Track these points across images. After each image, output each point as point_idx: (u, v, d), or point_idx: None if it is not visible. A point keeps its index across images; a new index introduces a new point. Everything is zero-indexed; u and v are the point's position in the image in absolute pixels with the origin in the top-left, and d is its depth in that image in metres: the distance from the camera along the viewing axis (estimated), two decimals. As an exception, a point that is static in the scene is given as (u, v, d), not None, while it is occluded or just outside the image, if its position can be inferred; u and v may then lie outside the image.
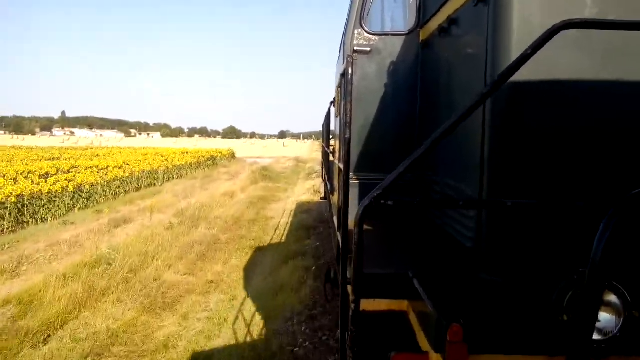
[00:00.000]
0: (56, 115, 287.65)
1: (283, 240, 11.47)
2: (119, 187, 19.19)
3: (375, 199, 1.71)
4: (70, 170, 21.04)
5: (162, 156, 31.50)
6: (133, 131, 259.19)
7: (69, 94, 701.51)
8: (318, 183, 22.91)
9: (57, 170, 20.65)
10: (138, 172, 21.19)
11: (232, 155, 45.73)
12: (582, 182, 2.31)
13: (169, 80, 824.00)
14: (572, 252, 2.16)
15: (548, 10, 2.23)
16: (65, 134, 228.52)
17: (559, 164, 2.30)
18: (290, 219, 14.55)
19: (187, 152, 36.82)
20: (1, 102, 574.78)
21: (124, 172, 20.66)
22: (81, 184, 16.41)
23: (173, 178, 25.88)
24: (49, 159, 31.03)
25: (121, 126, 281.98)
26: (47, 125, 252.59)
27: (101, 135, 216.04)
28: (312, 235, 11.82)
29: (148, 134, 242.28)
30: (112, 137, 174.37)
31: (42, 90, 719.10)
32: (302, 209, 16.06)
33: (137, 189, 21.05)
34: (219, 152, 41.25)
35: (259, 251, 10.85)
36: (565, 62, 2.24)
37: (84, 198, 16.30)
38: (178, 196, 19.41)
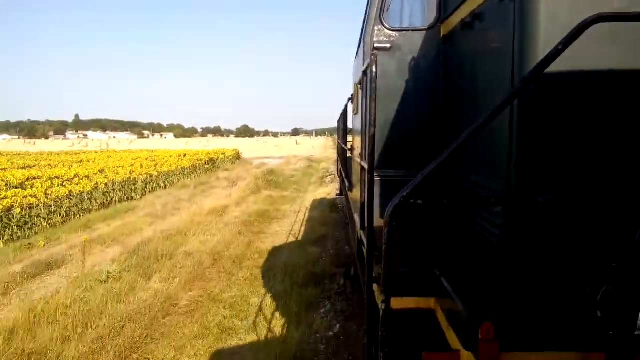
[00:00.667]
0: (70, 118, 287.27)
1: (278, 312, 6.63)
2: (77, 205, 14.49)
3: (405, 197, 1.72)
4: (24, 184, 16.48)
5: (153, 160, 26.91)
6: (146, 132, 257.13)
7: (84, 97, 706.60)
8: (333, 190, 18.12)
9: (6, 185, 16.05)
10: (104, 183, 16.46)
11: (237, 156, 41.04)
12: (613, 177, 2.24)
13: (183, 81, 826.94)
14: (601, 246, 2.12)
15: (575, 3, 2.18)
16: (78, 137, 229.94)
17: (587, 159, 2.26)
18: (296, 256, 9.71)
19: (185, 155, 32.14)
20: (17, 107, 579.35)
21: (85, 184, 15.99)
22: (11, 207, 11.73)
23: (160, 187, 21.20)
24: (22, 167, 26.64)
25: (135, 128, 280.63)
26: (60, 129, 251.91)
27: (114, 137, 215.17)
28: (328, 297, 6.99)
29: (161, 135, 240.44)
30: (125, 139, 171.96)
31: (57, 94, 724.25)
32: (314, 234, 11.29)
33: (105, 205, 16.36)
34: (222, 154, 36.48)
35: (235, 337, 6.04)
36: (595, 55, 2.17)
37: (15, 225, 11.62)
38: (153, 215, 14.74)
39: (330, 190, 19.36)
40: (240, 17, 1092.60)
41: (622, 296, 1.49)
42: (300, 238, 11.38)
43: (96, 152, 47.03)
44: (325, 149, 65.28)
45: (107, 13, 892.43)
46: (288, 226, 13.09)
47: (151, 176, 20.75)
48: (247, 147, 70.95)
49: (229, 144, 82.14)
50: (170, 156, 30.74)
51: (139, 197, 18.97)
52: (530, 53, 2.27)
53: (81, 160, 30.95)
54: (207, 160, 30.79)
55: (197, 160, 29.33)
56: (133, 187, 18.70)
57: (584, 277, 1.86)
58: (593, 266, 1.87)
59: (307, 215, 14.45)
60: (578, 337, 1.89)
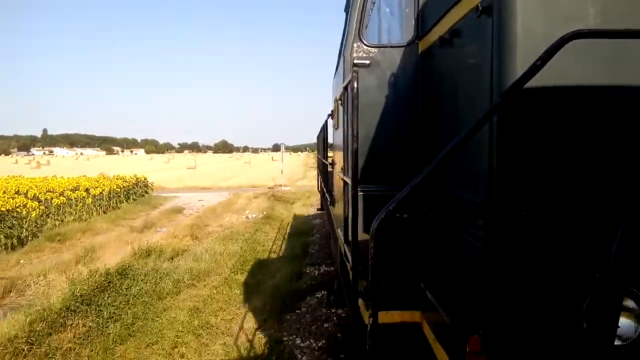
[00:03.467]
0: (39, 133, 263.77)
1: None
2: None
3: (391, 212, 1.73)
4: None
5: None
6: (116, 148, 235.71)
7: (53, 112, 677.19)
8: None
9: None
10: None
11: (140, 189, 21.11)
12: (593, 190, 2.25)
13: (164, 95, 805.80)
14: (587, 258, 2.13)
15: (552, 20, 2.20)
16: (44, 153, 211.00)
17: (568, 172, 2.26)
18: None
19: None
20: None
21: None
22: None
23: None
24: None
25: (107, 143, 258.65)
26: (25, 144, 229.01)
27: (81, 153, 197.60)
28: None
29: (131, 151, 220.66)
30: (89, 156, 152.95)
31: (24, 108, 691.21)
32: None
33: None
34: (84, 190, 16.42)
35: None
36: (572, 70, 2.19)
37: None
38: None
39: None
40: (225, 30, 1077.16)
41: (602, 306, 1.45)
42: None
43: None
44: (305, 169, 45.76)
45: (89, 22, 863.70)
46: None
47: None
48: (210, 164, 62.70)
49: (199, 160, 65.09)
50: None
51: None
52: (508, 68, 2.25)
53: None
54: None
55: None
56: None
57: (569, 288, 1.95)
58: (578, 278, 1.96)
59: None
60: (565, 348, 1.88)
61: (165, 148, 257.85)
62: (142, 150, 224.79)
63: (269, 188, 26.15)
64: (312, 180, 29.97)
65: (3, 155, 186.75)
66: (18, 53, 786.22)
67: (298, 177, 36.51)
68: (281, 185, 26.33)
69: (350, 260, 3.06)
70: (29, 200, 13.77)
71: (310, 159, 68.47)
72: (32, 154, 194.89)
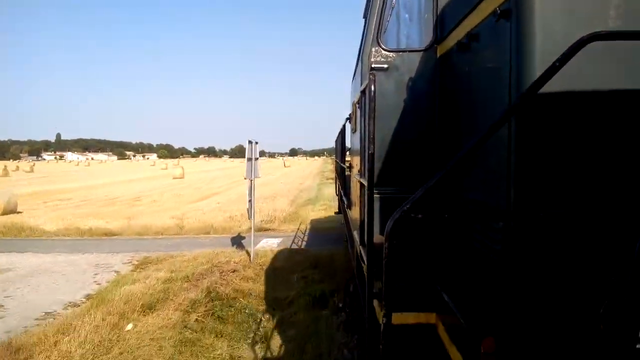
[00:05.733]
0: (52, 138, 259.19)
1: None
2: None
3: (406, 212, 1.72)
4: None
5: None
6: (129, 153, 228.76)
7: (67, 117, 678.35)
8: None
9: None
10: None
11: None
12: (612, 192, 2.19)
13: (182, 101, 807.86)
14: (603, 260, 2.09)
15: (571, 24, 2.17)
16: (55, 157, 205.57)
17: (588, 175, 2.21)
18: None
19: None
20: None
21: None
22: None
23: None
24: None
25: (121, 148, 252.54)
26: (36, 149, 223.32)
27: (92, 158, 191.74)
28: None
29: (143, 156, 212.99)
30: (96, 161, 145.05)
31: (39, 114, 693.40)
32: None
33: None
34: None
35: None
36: (591, 73, 2.14)
37: None
38: None
39: None
40: (243, 33, 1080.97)
41: (623, 309, 1.40)
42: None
43: None
44: (320, 179, 34.49)
45: (109, 27, 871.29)
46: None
47: None
48: (207, 172, 55.74)
49: (208, 166, 58.50)
50: None
51: None
52: (527, 72, 2.21)
53: None
54: None
55: None
56: None
57: (586, 291, 1.92)
58: (595, 280, 1.92)
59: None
60: (581, 351, 1.88)
61: (180, 153, 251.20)
62: (154, 155, 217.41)
63: (234, 239, 13.04)
64: (330, 205, 17.06)
65: (11, 160, 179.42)
66: (35, 59, 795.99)
67: (309, 195, 23.54)
68: (260, 230, 13.22)
69: (365, 261, 3.14)
70: None
71: (328, 165, 56.62)
72: (43, 159, 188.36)
